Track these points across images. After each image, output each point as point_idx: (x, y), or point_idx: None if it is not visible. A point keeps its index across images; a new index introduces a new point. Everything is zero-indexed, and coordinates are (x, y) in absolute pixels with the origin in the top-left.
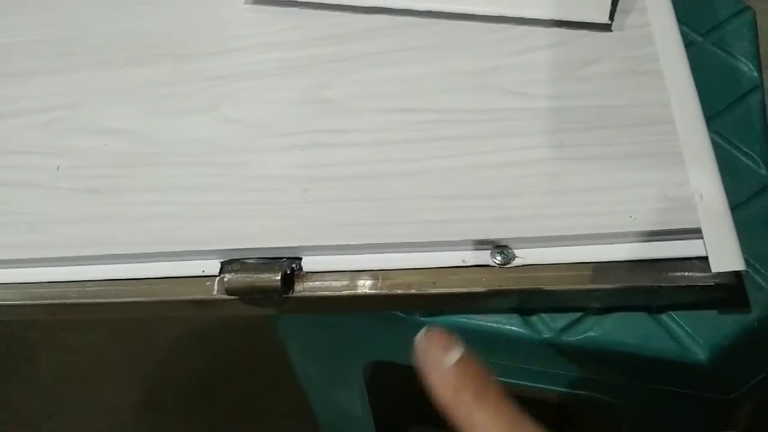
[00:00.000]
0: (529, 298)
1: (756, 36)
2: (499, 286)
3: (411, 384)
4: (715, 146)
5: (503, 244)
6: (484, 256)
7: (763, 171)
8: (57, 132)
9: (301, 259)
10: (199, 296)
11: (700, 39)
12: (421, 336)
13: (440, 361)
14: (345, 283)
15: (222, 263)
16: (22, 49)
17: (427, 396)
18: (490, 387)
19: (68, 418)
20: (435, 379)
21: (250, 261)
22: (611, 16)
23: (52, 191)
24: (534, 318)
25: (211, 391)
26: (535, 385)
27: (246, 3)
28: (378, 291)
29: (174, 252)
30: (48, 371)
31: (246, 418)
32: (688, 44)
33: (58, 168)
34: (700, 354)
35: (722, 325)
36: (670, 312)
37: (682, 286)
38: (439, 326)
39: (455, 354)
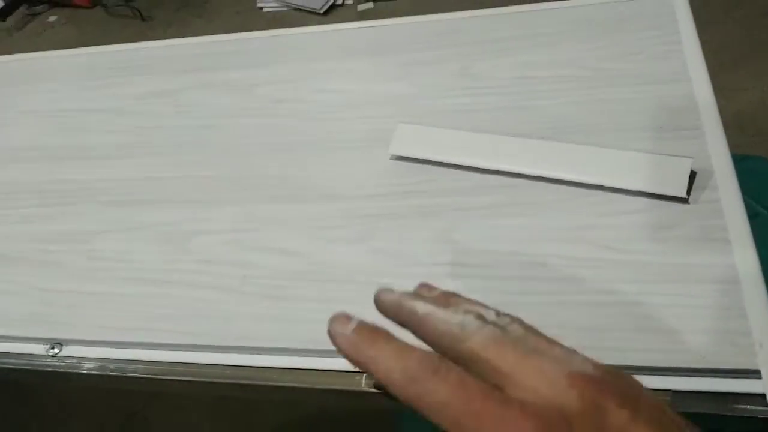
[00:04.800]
0: None
1: None
2: None
3: None
4: None
5: None
6: None
7: None
8: (242, 249)
9: None
10: (351, 388)
11: (765, 211)
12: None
13: (343, 329)
14: None
15: None
16: (210, 183)
17: None
18: (377, 332)
19: None
20: (341, 342)
21: None
22: (688, 192)
23: (240, 294)
24: None
25: None
26: None
27: (391, 158)
28: None
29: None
30: None
31: None
32: (754, 216)
33: (244, 277)
34: None
35: None
36: None
37: (745, 416)
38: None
39: (353, 323)
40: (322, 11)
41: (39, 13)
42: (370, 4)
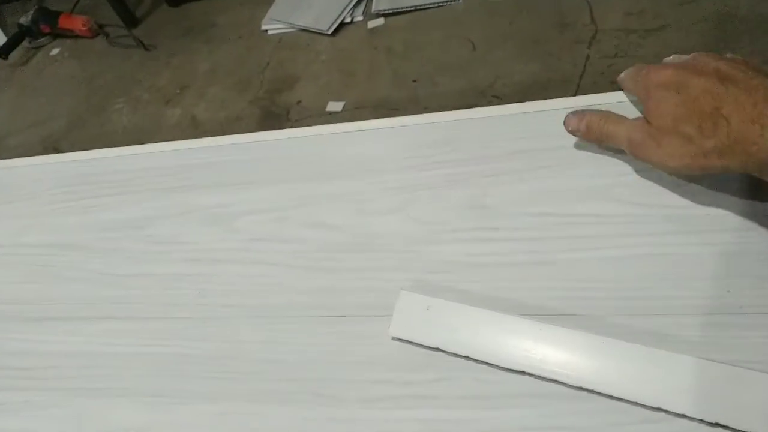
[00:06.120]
0: None
1: None
2: None
3: None
4: None
5: None
6: None
7: None
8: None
9: None
10: None
11: None
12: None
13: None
14: None
15: None
16: (184, 366)
17: None
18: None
19: None
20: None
21: None
22: None
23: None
24: None
25: None
26: None
27: (392, 339)
28: None
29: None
30: None
31: None
32: None
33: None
34: None
35: None
36: None
37: None
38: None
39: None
40: (329, 32)
41: (42, 46)
42: (381, 20)
